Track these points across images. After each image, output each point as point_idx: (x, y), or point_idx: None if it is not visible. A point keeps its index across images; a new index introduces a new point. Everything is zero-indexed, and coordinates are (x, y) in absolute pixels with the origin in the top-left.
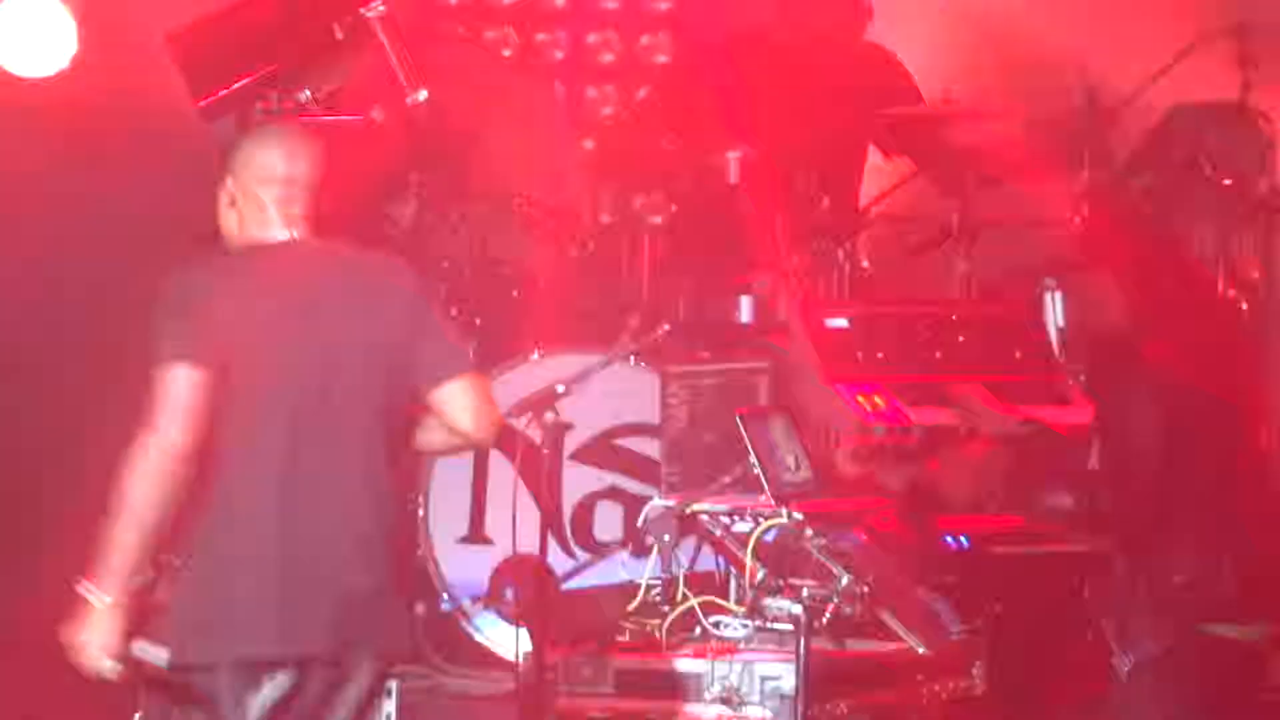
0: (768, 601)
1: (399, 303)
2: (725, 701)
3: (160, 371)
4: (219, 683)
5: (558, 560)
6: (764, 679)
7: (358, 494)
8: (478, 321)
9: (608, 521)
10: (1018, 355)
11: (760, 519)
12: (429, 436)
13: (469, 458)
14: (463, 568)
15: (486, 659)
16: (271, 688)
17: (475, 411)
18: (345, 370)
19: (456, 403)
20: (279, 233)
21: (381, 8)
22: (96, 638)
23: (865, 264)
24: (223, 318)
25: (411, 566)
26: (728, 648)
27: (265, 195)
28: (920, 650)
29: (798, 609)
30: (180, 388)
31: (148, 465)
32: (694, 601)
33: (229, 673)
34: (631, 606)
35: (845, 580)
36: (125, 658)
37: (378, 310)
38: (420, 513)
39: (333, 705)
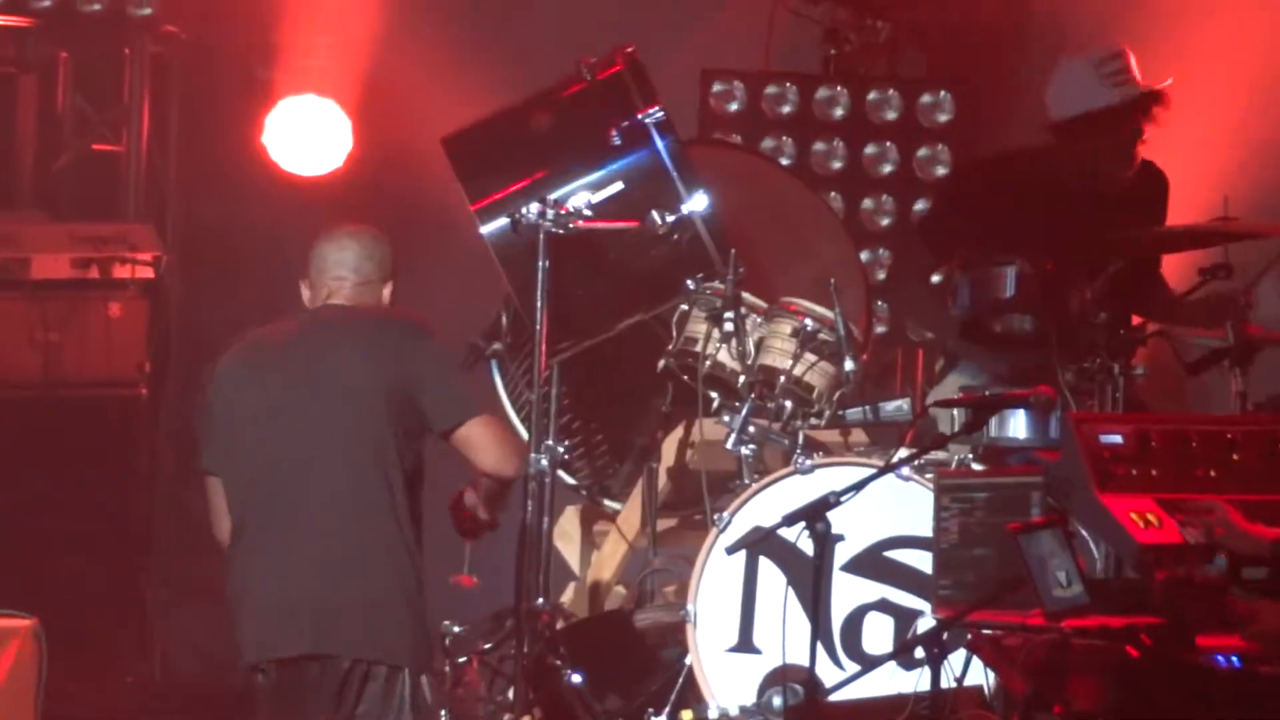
0: (1037, 717)
1: (406, 354)
2: None
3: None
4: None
5: (826, 671)
6: None
7: (347, 522)
8: (750, 430)
9: (877, 634)
10: None
11: (1031, 634)
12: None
13: (740, 567)
14: (731, 677)
15: None
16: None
17: (490, 450)
18: (340, 417)
19: (472, 445)
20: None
21: (659, 114)
22: None
23: (1140, 373)
24: (240, 407)
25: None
26: None
27: (321, 287)
28: None
29: None
30: (216, 493)
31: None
32: (963, 716)
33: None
34: None
35: (1115, 696)
36: None
37: (381, 360)
38: (688, 621)
39: (340, 699)
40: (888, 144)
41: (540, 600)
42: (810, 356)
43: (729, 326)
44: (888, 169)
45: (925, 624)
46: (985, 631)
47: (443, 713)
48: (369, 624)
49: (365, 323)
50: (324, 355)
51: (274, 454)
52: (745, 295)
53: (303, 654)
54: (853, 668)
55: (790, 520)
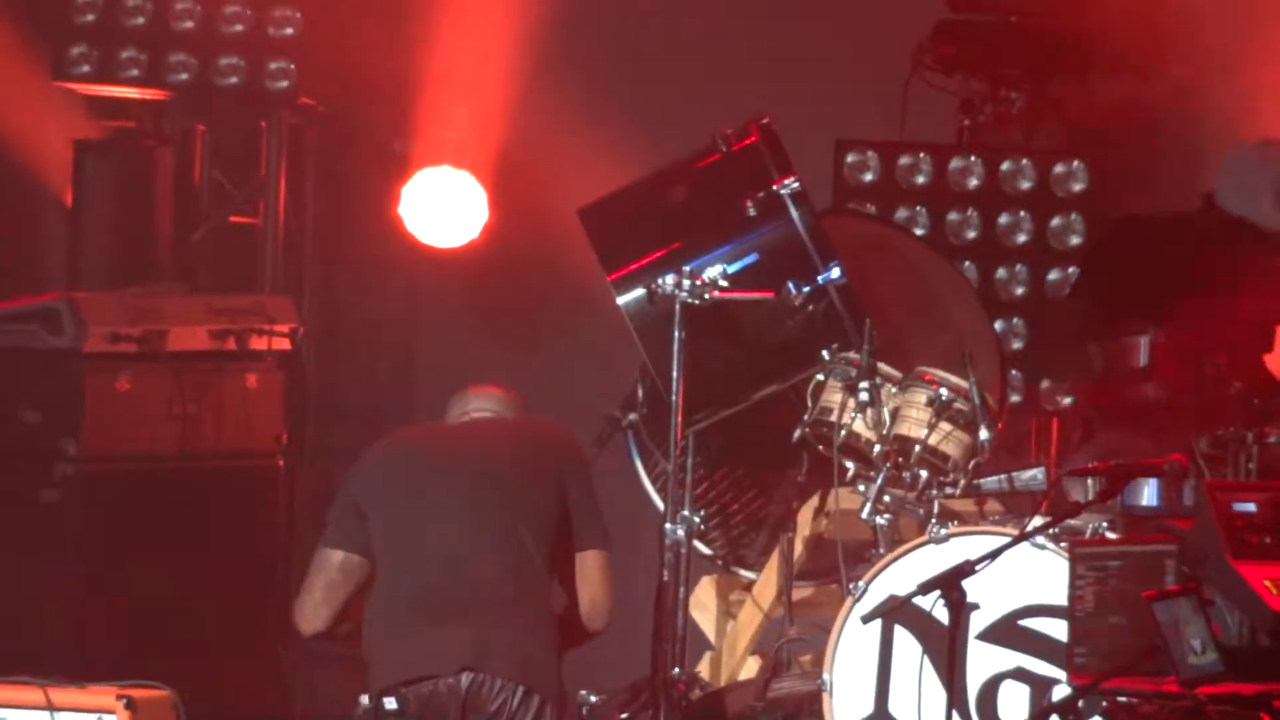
0: None
1: (566, 465)
2: None
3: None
4: None
5: None
6: None
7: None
8: (885, 499)
9: (1013, 702)
10: None
11: (1166, 701)
12: None
13: (876, 636)
14: None
15: None
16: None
17: (599, 586)
18: (500, 512)
19: (587, 574)
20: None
21: (795, 184)
22: None
23: (1274, 441)
24: (387, 498)
25: None
26: None
27: (463, 415)
28: None
29: None
30: (324, 572)
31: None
32: None
33: None
34: None
35: None
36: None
37: (542, 465)
38: (824, 690)
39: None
40: (1021, 213)
41: (676, 670)
42: (945, 425)
43: (864, 396)
44: (1022, 238)
45: (1061, 692)
46: (1121, 699)
47: None
48: (524, 662)
49: (526, 428)
50: (485, 453)
51: (430, 542)
52: (880, 365)
53: (464, 666)
54: None
55: (926, 589)
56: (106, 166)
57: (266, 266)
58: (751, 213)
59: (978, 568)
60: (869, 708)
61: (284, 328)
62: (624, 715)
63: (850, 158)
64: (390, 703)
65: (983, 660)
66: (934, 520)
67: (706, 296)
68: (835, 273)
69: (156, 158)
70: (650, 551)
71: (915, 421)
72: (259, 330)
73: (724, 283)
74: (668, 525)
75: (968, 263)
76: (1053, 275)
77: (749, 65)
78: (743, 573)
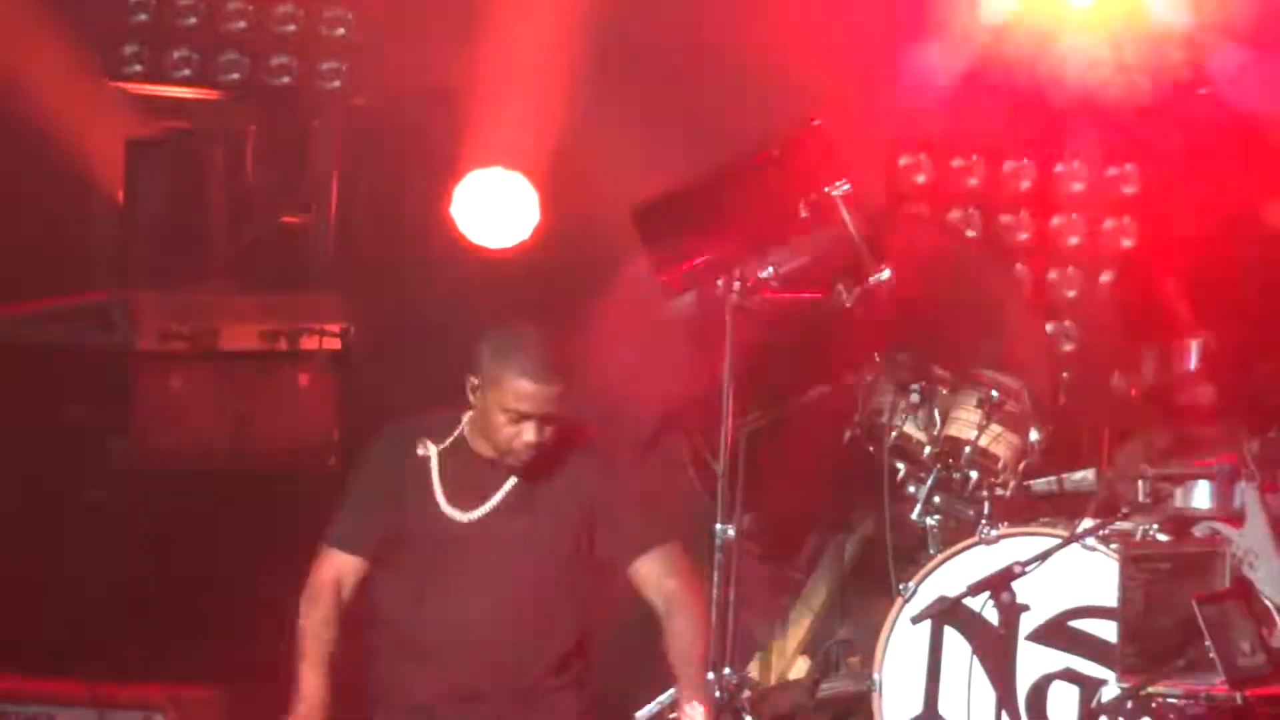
0: None
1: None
2: None
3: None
4: None
5: None
6: None
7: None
8: (936, 500)
9: (1062, 703)
10: None
11: (1215, 702)
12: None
13: (925, 637)
14: None
15: None
16: None
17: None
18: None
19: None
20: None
21: (846, 186)
22: None
23: None
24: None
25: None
26: None
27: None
28: None
29: None
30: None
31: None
32: None
33: None
34: None
35: None
36: None
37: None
38: (874, 690)
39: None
40: (1074, 216)
41: (727, 670)
42: (996, 427)
43: (915, 398)
44: (1074, 240)
45: (1110, 693)
46: (1169, 700)
47: None
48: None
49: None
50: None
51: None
52: (931, 366)
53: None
54: None
55: (976, 590)
56: (158, 166)
57: (317, 266)
58: (804, 214)
59: (1027, 569)
60: (918, 708)
61: (335, 328)
62: (674, 716)
63: (903, 160)
64: None
65: (1032, 661)
66: (984, 522)
67: (758, 298)
68: (886, 274)
69: (208, 157)
70: (699, 551)
71: (965, 423)
72: (310, 330)
73: (775, 284)
74: (718, 525)
75: (1020, 265)
76: (1105, 277)
77: (803, 65)
78: (793, 574)
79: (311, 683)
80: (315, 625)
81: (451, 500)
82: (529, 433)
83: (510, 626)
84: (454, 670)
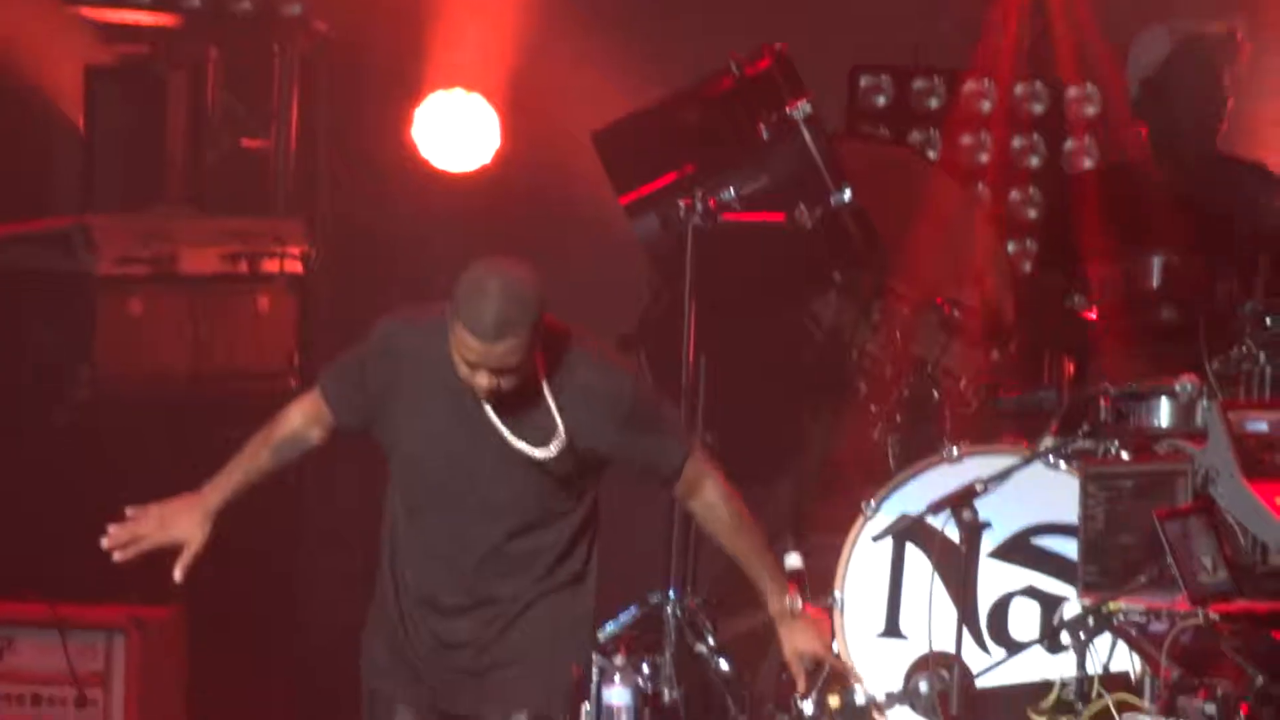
0: (1182, 701)
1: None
2: None
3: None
4: None
5: (973, 657)
6: None
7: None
8: (897, 419)
9: (1024, 619)
10: None
11: (1176, 619)
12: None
13: (887, 554)
14: (878, 663)
15: None
16: None
17: (699, 498)
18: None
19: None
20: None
21: (808, 107)
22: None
23: None
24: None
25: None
26: None
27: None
28: None
29: (1212, 709)
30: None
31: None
32: (1109, 700)
33: None
34: (1046, 705)
35: (1260, 681)
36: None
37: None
38: (835, 608)
39: None
40: (1035, 136)
41: (689, 588)
42: (958, 346)
43: (877, 317)
44: (1035, 162)
45: (1071, 610)
46: (1132, 617)
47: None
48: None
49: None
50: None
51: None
52: (893, 286)
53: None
54: (999, 653)
55: (937, 508)
56: (118, 91)
57: (278, 190)
58: (765, 136)
59: (989, 486)
60: (880, 625)
61: (296, 250)
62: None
63: (863, 81)
64: None
65: (994, 578)
66: (945, 440)
67: (719, 220)
68: (847, 195)
69: (168, 82)
70: None
71: (927, 342)
72: (271, 253)
73: (736, 206)
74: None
75: (981, 185)
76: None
77: None
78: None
79: (220, 482)
80: (255, 441)
81: (447, 417)
82: (481, 379)
83: (493, 546)
84: (429, 584)
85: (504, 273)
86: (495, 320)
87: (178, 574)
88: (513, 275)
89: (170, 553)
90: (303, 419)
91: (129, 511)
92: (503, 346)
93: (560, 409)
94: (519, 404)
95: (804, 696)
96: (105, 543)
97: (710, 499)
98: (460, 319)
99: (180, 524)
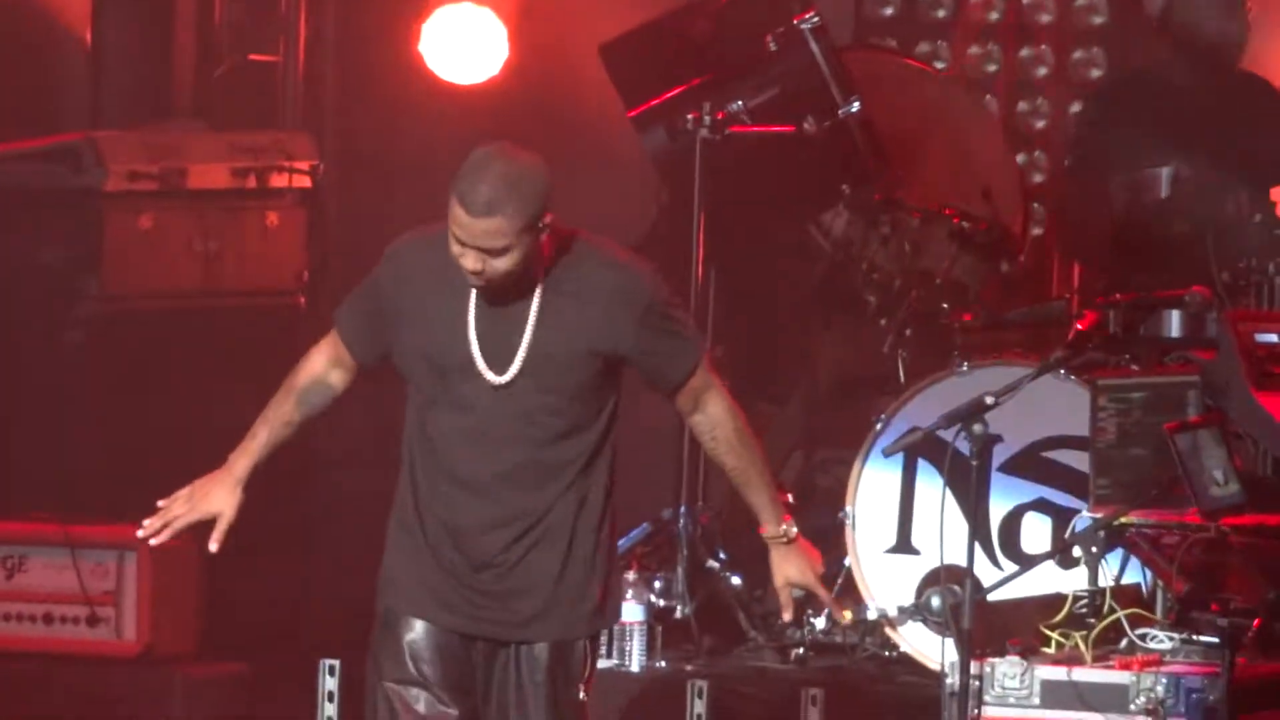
0: (1194, 614)
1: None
2: (1150, 714)
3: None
4: None
5: (984, 571)
6: (1189, 692)
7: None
8: (907, 332)
9: (1035, 533)
10: None
11: (1188, 532)
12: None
13: (898, 469)
14: (889, 578)
15: (913, 668)
16: None
17: (711, 412)
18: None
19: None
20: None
21: (815, 19)
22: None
23: None
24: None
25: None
26: (1153, 660)
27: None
28: None
29: (1224, 622)
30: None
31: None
32: (1120, 614)
33: None
34: (1058, 618)
35: (1273, 594)
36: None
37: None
38: (846, 523)
39: None
40: (1043, 47)
41: (700, 504)
42: (967, 258)
43: (885, 230)
44: (1043, 72)
45: (1082, 523)
46: (1143, 530)
47: None
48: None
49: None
50: None
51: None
52: (901, 199)
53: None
54: (1011, 567)
55: (947, 421)
56: (125, 6)
57: (286, 104)
58: (773, 48)
59: (999, 400)
60: (891, 540)
61: (304, 165)
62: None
63: None
64: None
65: (1005, 492)
66: (956, 353)
67: (727, 132)
68: (855, 107)
69: None
70: None
71: (937, 254)
72: (279, 167)
73: (745, 118)
74: None
75: (989, 96)
76: (1075, 108)
77: None
78: (766, 406)
79: (245, 446)
80: (277, 397)
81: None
82: (468, 259)
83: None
84: (449, 500)
85: (511, 157)
86: (487, 196)
87: (213, 545)
88: (519, 160)
89: (184, 470)
90: (324, 362)
91: (159, 504)
92: (489, 224)
93: (560, 312)
94: (505, 313)
95: (791, 625)
96: (140, 533)
97: (714, 412)
98: (455, 191)
99: (211, 499)
